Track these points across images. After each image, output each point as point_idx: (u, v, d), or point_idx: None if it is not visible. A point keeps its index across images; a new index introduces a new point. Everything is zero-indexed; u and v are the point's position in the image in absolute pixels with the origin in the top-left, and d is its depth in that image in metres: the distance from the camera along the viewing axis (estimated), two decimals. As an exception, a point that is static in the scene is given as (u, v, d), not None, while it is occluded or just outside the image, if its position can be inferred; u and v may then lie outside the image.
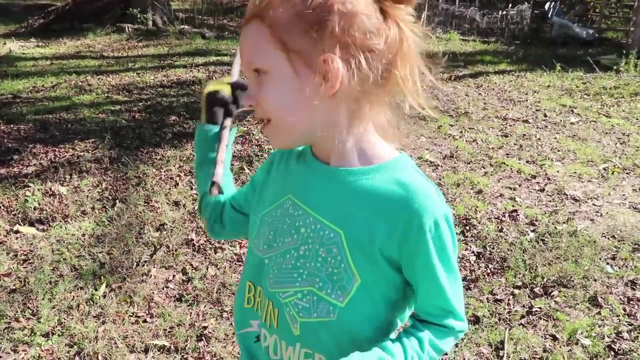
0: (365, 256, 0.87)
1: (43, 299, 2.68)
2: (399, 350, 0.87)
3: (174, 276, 2.95)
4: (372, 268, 0.88)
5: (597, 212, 3.82)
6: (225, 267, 3.02)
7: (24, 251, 3.10)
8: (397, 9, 0.83)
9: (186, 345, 2.43)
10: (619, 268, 3.12)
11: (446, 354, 2.43)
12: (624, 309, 2.77)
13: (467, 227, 3.52)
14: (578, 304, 2.80)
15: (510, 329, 2.61)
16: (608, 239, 3.44)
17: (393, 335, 0.94)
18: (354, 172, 0.89)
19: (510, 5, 14.63)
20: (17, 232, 3.30)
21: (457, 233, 3.46)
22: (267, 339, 1.01)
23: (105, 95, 6.37)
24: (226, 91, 1.11)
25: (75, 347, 2.40)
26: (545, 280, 2.98)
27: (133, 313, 2.64)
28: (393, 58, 0.84)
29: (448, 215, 0.87)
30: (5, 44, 9.76)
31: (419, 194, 0.85)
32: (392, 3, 0.83)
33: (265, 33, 0.84)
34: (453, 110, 6.22)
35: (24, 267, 2.96)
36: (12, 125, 5.13)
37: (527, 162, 4.75)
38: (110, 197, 3.76)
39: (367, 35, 0.81)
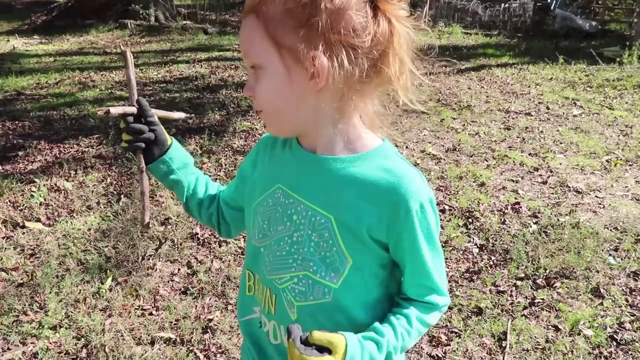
0: (355, 238, 0.92)
1: (50, 292, 2.71)
2: (389, 330, 0.92)
3: (179, 270, 2.98)
4: (362, 249, 0.93)
5: (600, 204, 3.83)
6: (229, 261, 3.05)
7: (31, 246, 3.14)
8: (389, 4, 0.85)
9: (192, 338, 2.46)
10: (622, 259, 3.13)
11: (448, 345, 2.45)
12: (626, 300, 2.79)
13: (470, 220, 3.54)
14: (580, 295, 2.82)
15: (512, 320, 2.63)
16: (610, 230, 3.45)
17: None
18: (340, 160, 0.93)
19: (512, -3, 14.57)
20: (23, 227, 3.33)
21: (460, 225, 3.48)
22: (266, 325, 1.06)
23: (109, 91, 6.39)
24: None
25: (82, 339, 2.43)
26: (547, 271, 3.00)
27: (139, 306, 2.67)
28: (382, 53, 0.87)
29: (432, 198, 0.93)
30: (8, 41, 9.79)
31: (404, 179, 0.90)
32: None
33: (259, 29, 0.87)
34: (455, 103, 6.22)
35: (31, 262, 2.99)
36: (16, 122, 5.17)
37: (530, 154, 4.76)
38: (115, 192, 3.79)
39: (353, 33, 0.83)
